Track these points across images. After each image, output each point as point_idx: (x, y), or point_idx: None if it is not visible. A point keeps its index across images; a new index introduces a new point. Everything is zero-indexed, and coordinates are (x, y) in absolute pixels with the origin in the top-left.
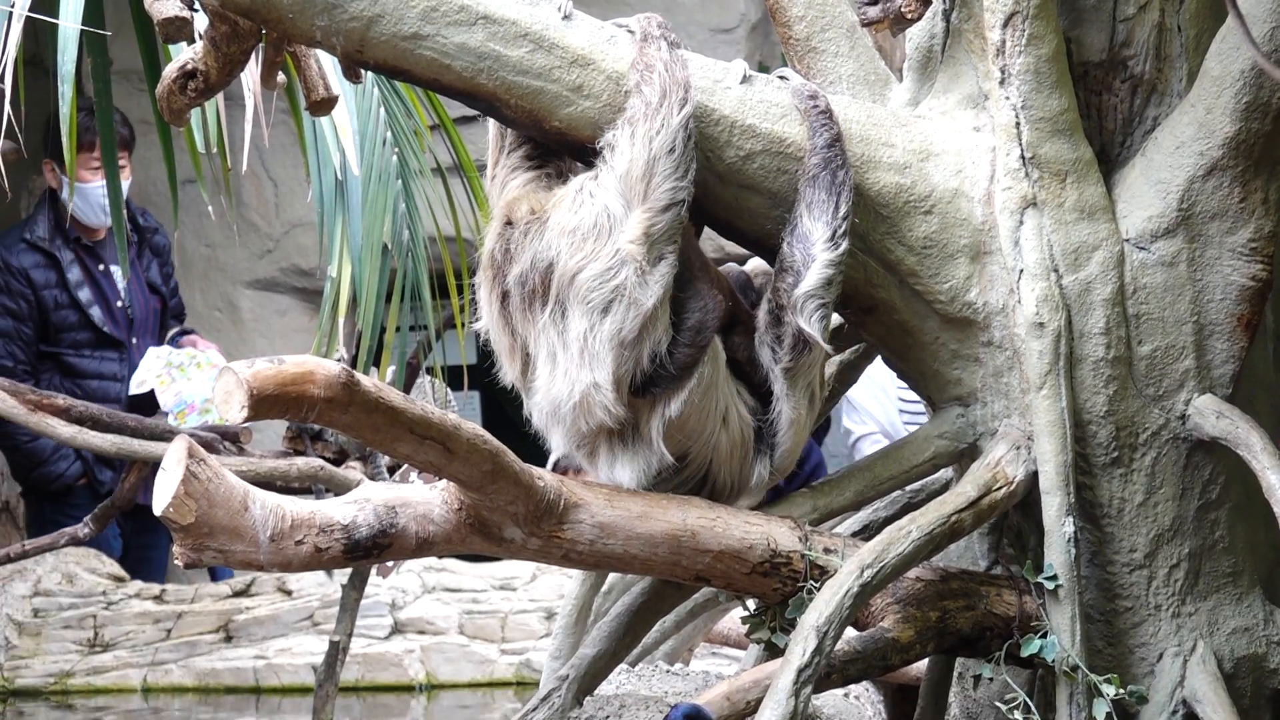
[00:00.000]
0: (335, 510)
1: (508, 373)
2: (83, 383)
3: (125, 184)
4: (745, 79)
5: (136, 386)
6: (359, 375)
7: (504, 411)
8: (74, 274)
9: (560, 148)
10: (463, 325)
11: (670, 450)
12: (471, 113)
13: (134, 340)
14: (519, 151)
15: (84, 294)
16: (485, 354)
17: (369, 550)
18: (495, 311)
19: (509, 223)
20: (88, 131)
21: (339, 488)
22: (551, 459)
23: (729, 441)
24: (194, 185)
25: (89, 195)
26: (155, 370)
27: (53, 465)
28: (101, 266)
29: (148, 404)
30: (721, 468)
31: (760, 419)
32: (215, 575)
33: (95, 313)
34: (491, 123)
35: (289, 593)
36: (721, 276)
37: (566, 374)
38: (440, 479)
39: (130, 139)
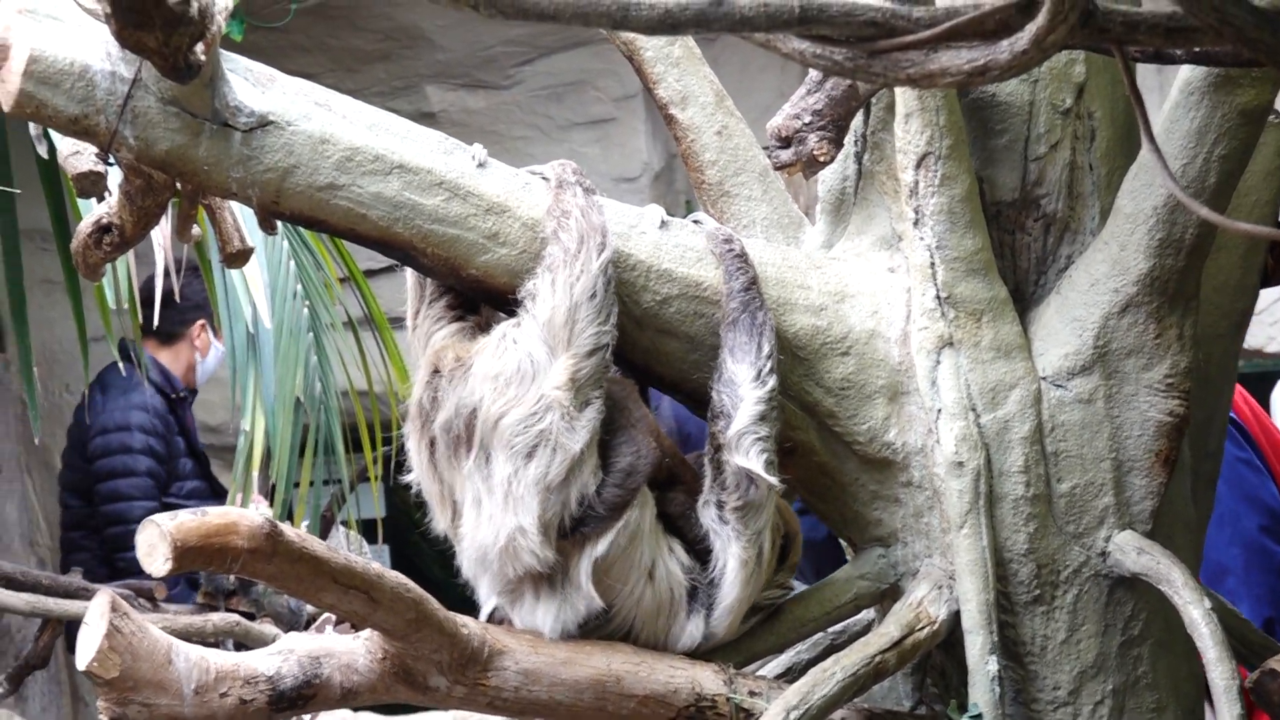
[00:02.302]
0: (259, 662)
1: (439, 521)
2: None
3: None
4: (663, 224)
5: None
6: (282, 526)
7: (414, 565)
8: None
9: (479, 297)
10: (376, 478)
11: (600, 594)
12: (382, 265)
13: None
14: (440, 302)
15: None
16: (395, 508)
17: (294, 701)
18: (424, 460)
19: (436, 371)
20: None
21: (255, 643)
22: (485, 611)
23: (653, 598)
24: (102, 343)
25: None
26: None
27: None
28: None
29: None
30: (645, 625)
31: (696, 578)
32: None
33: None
34: (410, 272)
35: None
36: (664, 436)
37: (491, 519)
38: (363, 629)
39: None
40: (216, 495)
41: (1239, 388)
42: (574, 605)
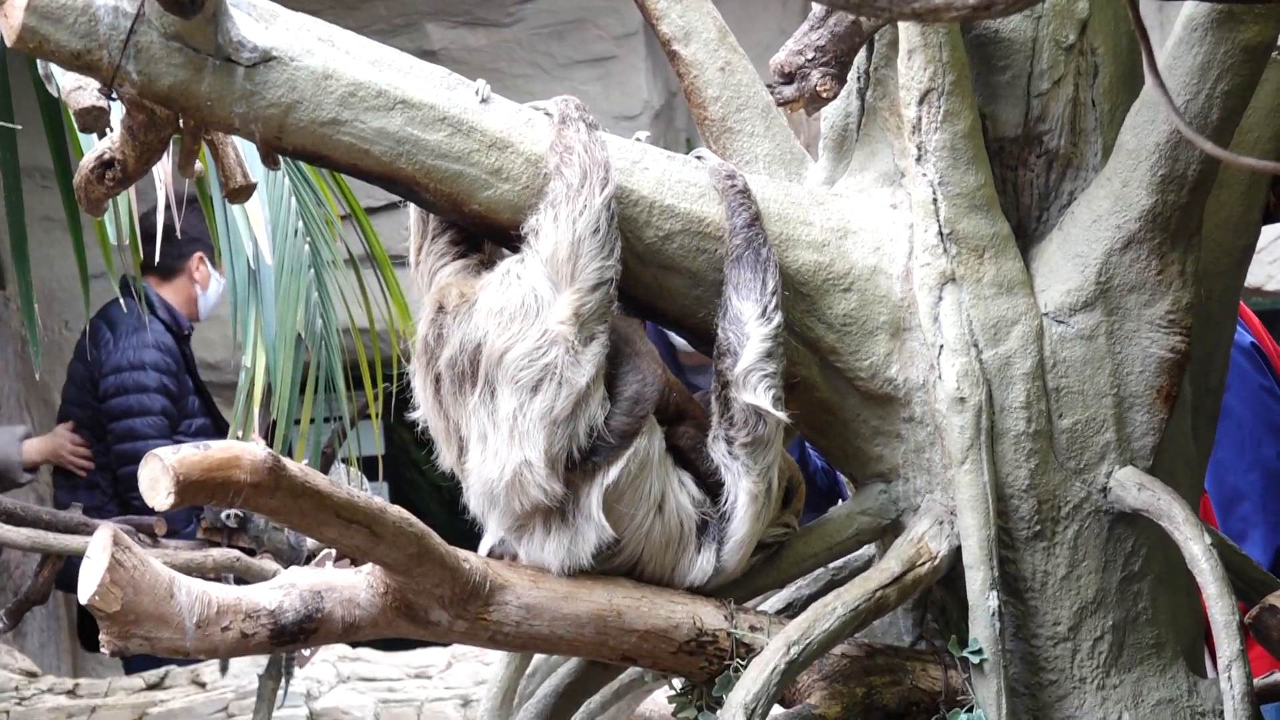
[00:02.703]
0: (261, 596)
1: (445, 458)
2: None
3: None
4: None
5: None
6: (285, 460)
7: (413, 502)
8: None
9: (481, 232)
10: (376, 416)
11: (611, 524)
12: (383, 202)
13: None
14: (443, 238)
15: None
16: (395, 445)
17: (295, 635)
18: (429, 397)
19: (441, 308)
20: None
21: (255, 579)
22: (485, 546)
23: (662, 530)
24: (103, 279)
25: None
26: None
27: None
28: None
29: None
30: (653, 558)
31: (706, 512)
32: (129, 668)
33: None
34: (413, 209)
35: (203, 685)
36: (668, 371)
37: (497, 454)
38: (365, 564)
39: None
40: (221, 432)
41: (1258, 321)
42: (585, 536)
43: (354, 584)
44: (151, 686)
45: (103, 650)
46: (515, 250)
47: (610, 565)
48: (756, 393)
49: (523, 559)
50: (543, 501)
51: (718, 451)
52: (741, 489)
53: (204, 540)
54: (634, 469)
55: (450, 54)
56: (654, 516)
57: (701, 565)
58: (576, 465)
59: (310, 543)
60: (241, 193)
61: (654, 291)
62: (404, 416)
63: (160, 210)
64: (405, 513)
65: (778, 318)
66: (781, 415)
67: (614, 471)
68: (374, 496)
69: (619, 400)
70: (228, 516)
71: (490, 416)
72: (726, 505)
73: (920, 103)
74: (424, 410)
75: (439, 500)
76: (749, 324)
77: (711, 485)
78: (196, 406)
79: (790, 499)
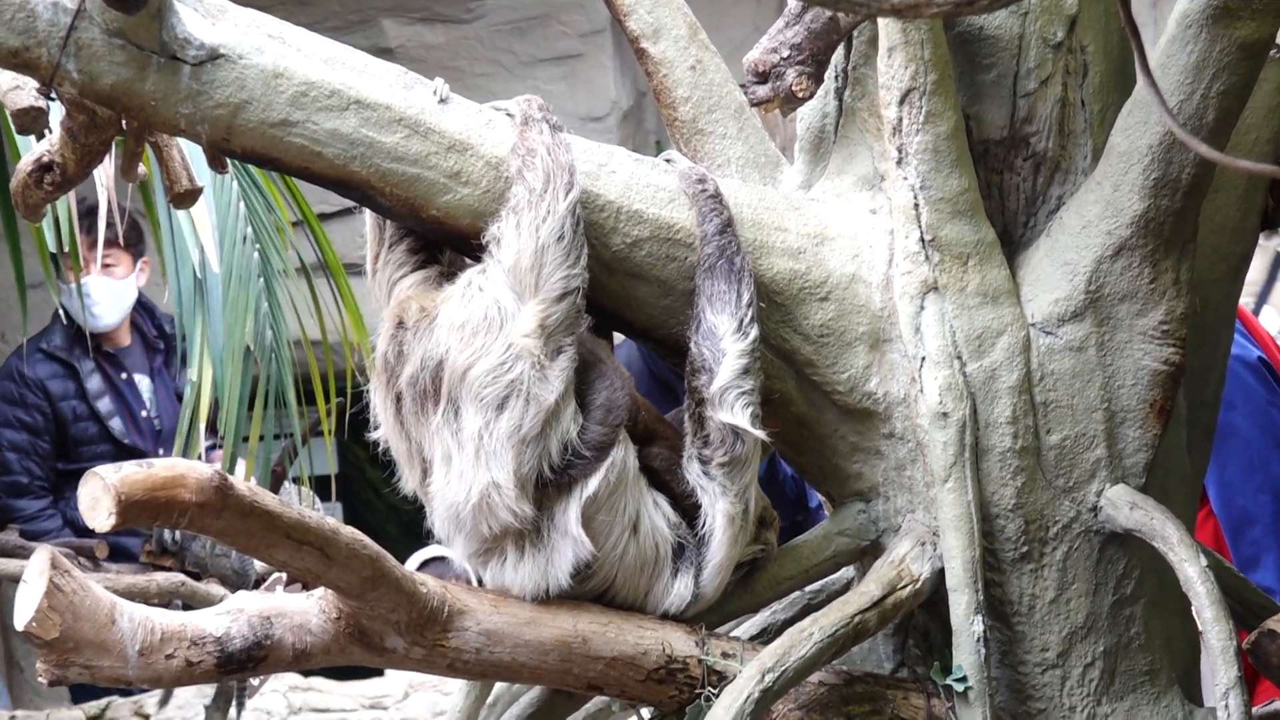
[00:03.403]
0: (207, 622)
1: (408, 480)
2: None
3: (141, 282)
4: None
5: None
6: (232, 479)
7: (368, 524)
8: (94, 384)
9: (440, 239)
10: (329, 433)
11: (592, 539)
12: (337, 208)
13: (161, 452)
14: (401, 246)
15: (104, 405)
16: (349, 463)
17: (243, 663)
18: (390, 417)
19: (400, 324)
20: (88, 231)
21: (201, 604)
22: (416, 559)
23: (637, 553)
24: (42, 289)
25: (96, 295)
26: None
27: None
28: (125, 375)
29: None
30: (626, 583)
31: (682, 535)
32: (77, 698)
33: (115, 424)
34: (369, 215)
35: (146, 717)
36: (634, 387)
37: (462, 475)
38: (317, 587)
39: (140, 238)
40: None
41: (1267, 334)
42: (562, 554)
43: (305, 609)
44: (92, 718)
45: (40, 679)
46: (477, 259)
47: (583, 589)
48: (734, 411)
49: (489, 585)
50: (512, 524)
51: (693, 472)
52: (719, 511)
53: (148, 564)
54: (612, 480)
55: (407, 51)
56: (628, 538)
57: (679, 591)
58: (549, 483)
59: (260, 566)
60: (187, 197)
61: (621, 301)
62: (359, 433)
63: (102, 216)
64: (359, 534)
65: (754, 331)
66: (760, 434)
67: (593, 483)
68: (326, 517)
69: (591, 410)
70: (170, 538)
71: (455, 436)
72: (704, 528)
73: (901, 103)
74: (385, 431)
75: (396, 522)
76: (724, 339)
77: (687, 508)
78: (93, 433)
79: (764, 519)
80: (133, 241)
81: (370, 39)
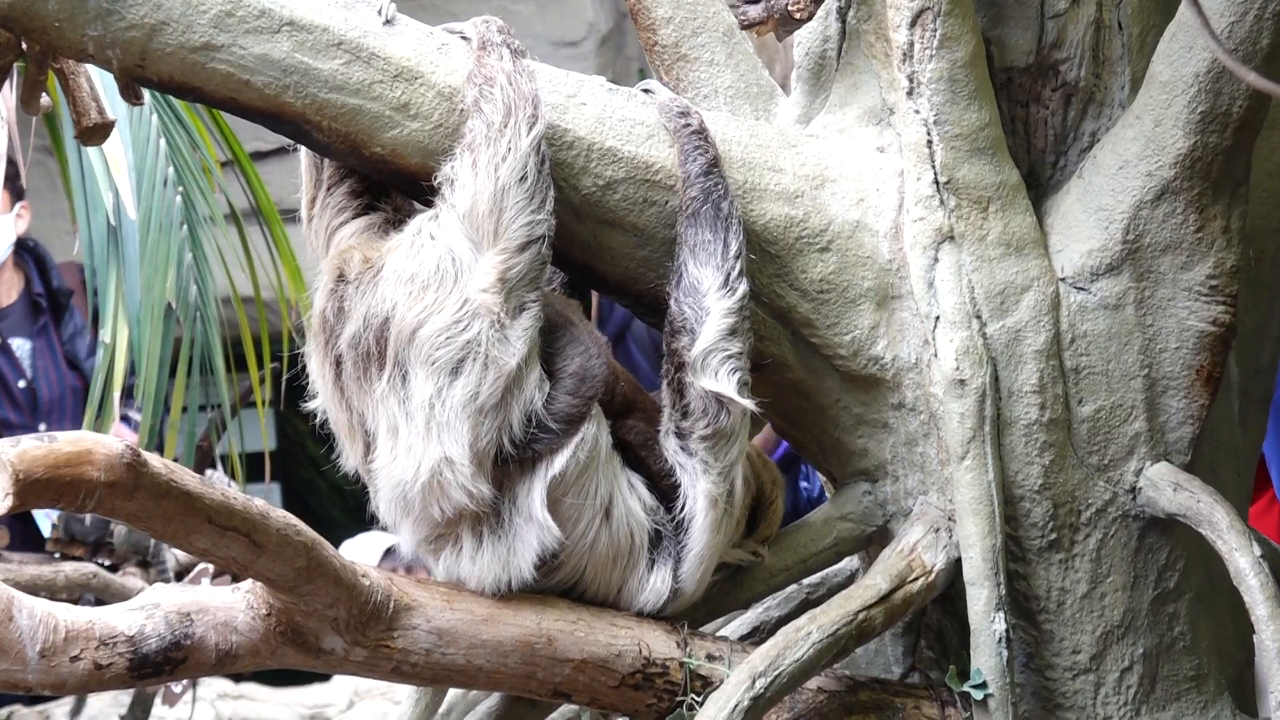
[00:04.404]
0: (119, 619)
1: (348, 457)
2: None
3: (20, 229)
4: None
5: None
6: (146, 455)
7: (310, 508)
8: None
9: (386, 181)
10: (263, 403)
11: (559, 524)
12: (273, 146)
13: (43, 426)
14: (342, 188)
15: None
16: (287, 438)
17: (160, 666)
18: (329, 383)
19: (341, 277)
20: None
21: (115, 598)
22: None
23: (609, 542)
24: None
25: None
26: None
27: None
28: None
29: None
30: (597, 576)
31: (659, 520)
32: None
33: None
34: (305, 153)
35: None
36: (611, 358)
37: (410, 450)
38: (245, 579)
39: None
40: None
41: None
42: (525, 541)
43: (231, 604)
44: None
45: None
46: (428, 204)
47: (548, 583)
48: (718, 377)
49: (441, 576)
50: (467, 506)
51: (670, 448)
52: (700, 491)
53: (54, 553)
54: (582, 458)
55: None
56: (600, 524)
57: (655, 585)
58: (510, 459)
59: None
60: (96, 132)
61: (592, 252)
62: (298, 404)
63: (2, 156)
64: (292, 519)
65: (742, 287)
66: (748, 403)
67: (560, 461)
68: (255, 499)
69: (561, 379)
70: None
71: (402, 405)
72: (683, 512)
73: (913, 25)
74: (323, 399)
75: (341, 505)
76: (708, 296)
77: (665, 489)
78: None
79: (759, 516)
80: (10, 177)
81: None
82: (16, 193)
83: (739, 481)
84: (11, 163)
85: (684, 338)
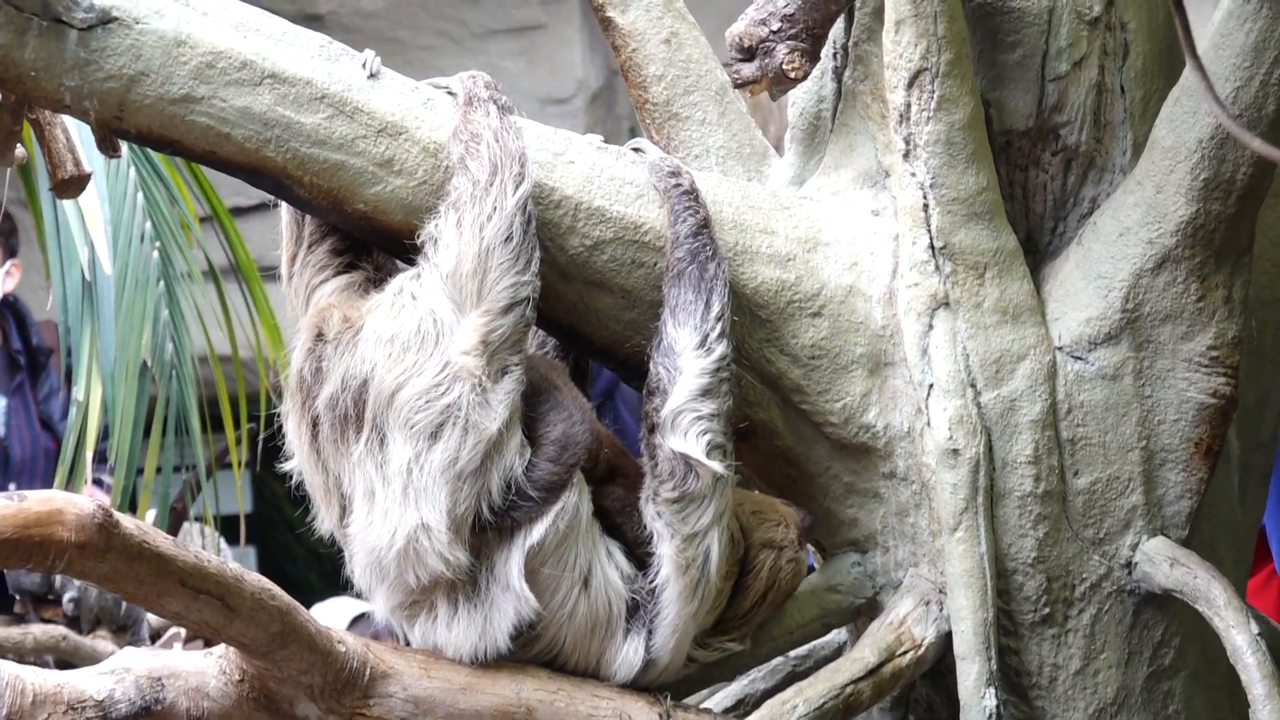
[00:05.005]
0: (88, 683)
1: (324, 519)
2: None
3: (9, 286)
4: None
5: None
6: (118, 515)
7: (285, 572)
8: None
9: (368, 238)
10: (239, 464)
11: (536, 594)
12: (253, 202)
13: (12, 486)
14: (323, 246)
15: None
16: (263, 501)
17: None
18: (305, 444)
19: (319, 336)
20: None
21: (85, 662)
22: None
23: (588, 611)
24: None
25: None
26: None
27: None
28: None
29: None
30: (576, 646)
31: (637, 589)
32: None
33: None
34: (285, 209)
35: None
36: (597, 421)
37: (387, 515)
38: (217, 644)
39: (13, 229)
40: None
41: None
42: (502, 611)
43: (202, 669)
44: None
45: None
46: (410, 262)
47: (526, 654)
48: (686, 438)
49: (417, 644)
50: (444, 574)
51: (649, 513)
52: (665, 556)
53: (21, 615)
54: (561, 527)
55: (340, 20)
56: (579, 594)
57: (627, 656)
58: (488, 526)
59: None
60: (72, 185)
61: (578, 314)
62: (274, 465)
63: None
64: (266, 582)
65: (720, 348)
66: (716, 466)
67: (538, 530)
68: (229, 563)
69: (542, 445)
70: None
71: (379, 469)
72: (656, 579)
73: (910, 86)
74: (299, 460)
75: (319, 570)
76: (683, 355)
77: (642, 557)
78: None
79: (740, 592)
80: (3, 234)
81: (297, 4)
82: (9, 249)
83: (715, 550)
84: (9, 217)
85: (657, 398)
